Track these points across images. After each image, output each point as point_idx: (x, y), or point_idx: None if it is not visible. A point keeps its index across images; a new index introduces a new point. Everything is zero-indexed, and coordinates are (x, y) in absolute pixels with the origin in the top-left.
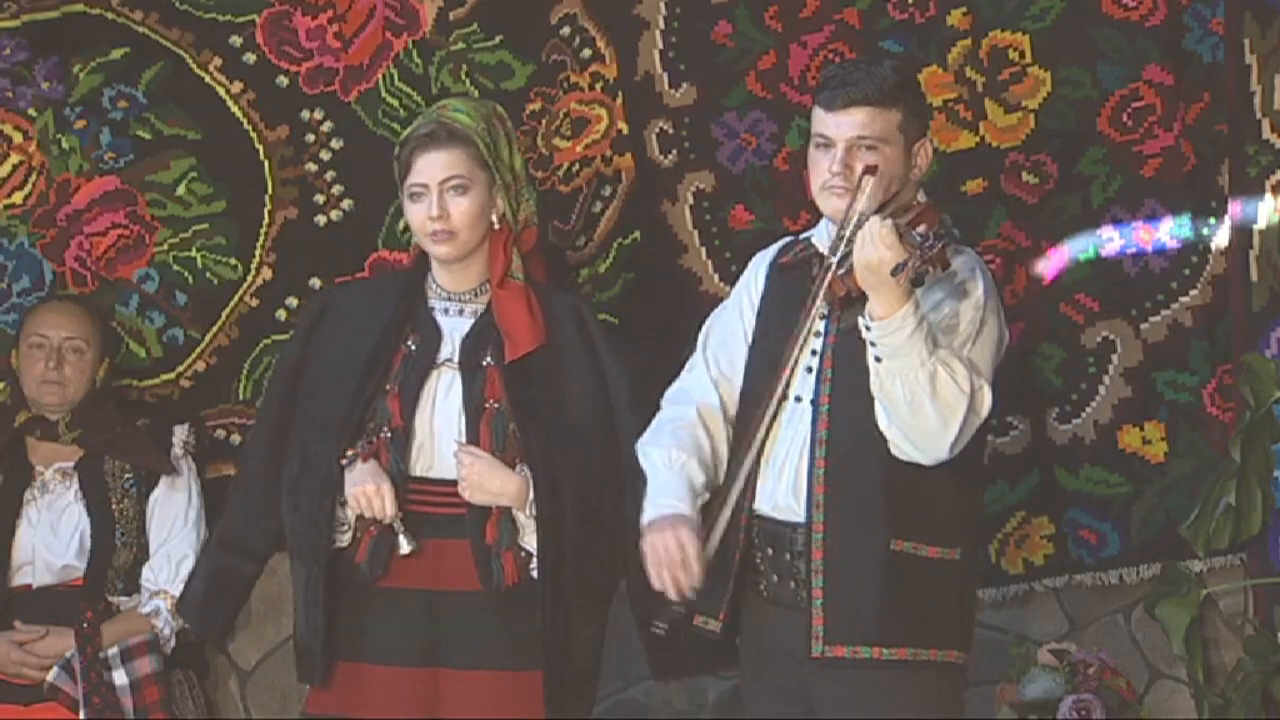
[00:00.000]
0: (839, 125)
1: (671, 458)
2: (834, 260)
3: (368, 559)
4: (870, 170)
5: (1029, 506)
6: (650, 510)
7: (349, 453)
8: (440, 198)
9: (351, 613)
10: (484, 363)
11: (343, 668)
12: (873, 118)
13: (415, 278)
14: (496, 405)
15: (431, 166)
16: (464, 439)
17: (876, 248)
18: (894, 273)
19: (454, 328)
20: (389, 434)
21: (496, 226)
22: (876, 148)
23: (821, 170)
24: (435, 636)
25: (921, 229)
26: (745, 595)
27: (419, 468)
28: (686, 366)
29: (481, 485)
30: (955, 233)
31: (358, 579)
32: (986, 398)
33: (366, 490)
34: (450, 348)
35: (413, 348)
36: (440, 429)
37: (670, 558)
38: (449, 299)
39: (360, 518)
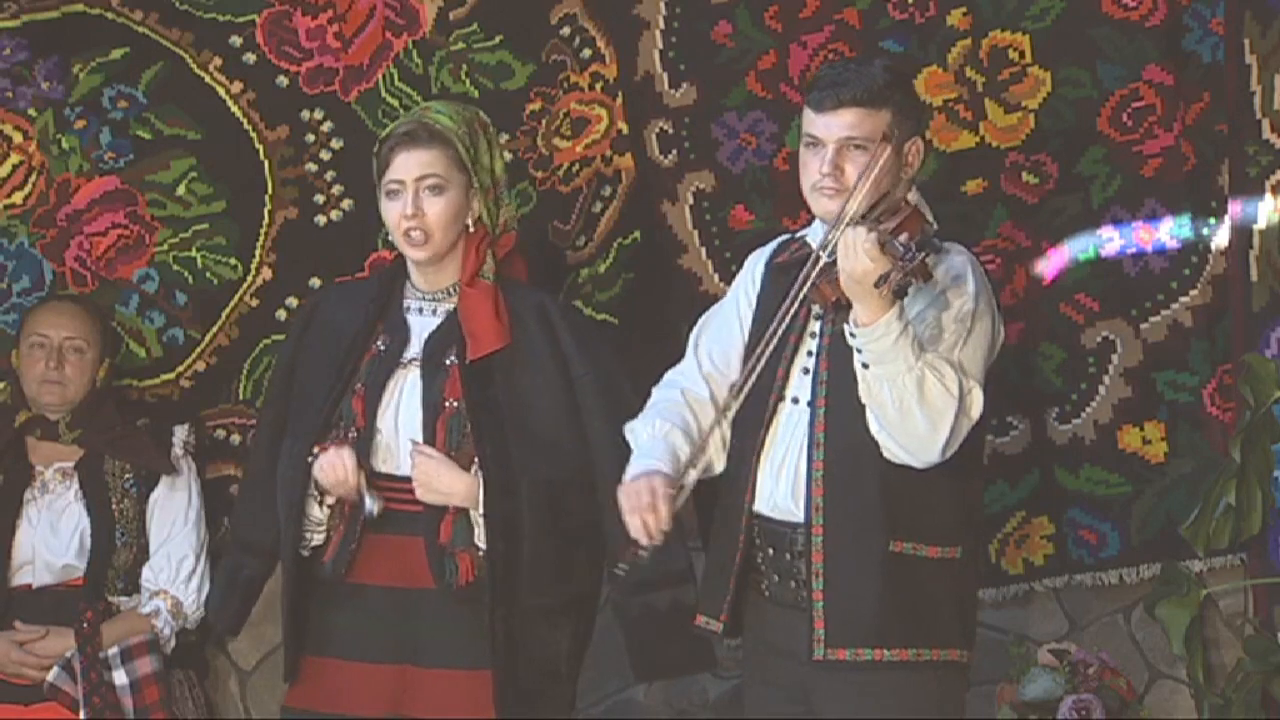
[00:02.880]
0: (828, 126)
1: (656, 428)
2: (822, 255)
3: (334, 557)
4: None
5: (1029, 506)
6: (630, 470)
7: (315, 449)
8: (416, 196)
9: (321, 609)
10: (447, 361)
11: (314, 663)
12: (862, 119)
13: (393, 278)
14: (456, 404)
15: (409, 164)
16: (422, 438)
17: (859, 259)
18: (876, 285)
19: (423, 327)
20: (355, 434)
21: (471, 229)
22: (866, 148)
23: (811, 171)
24: (403, 634)
25: (903, 238)
26: (747, 595)
27: (384, 466)
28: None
29: (430, 485)
30: (935, 241)
31: (325, 576)
32: (977, 400)
33: (329, 457)
34: (416, 347)
35: (381, 348)
36: (403, 428)
37: (641, 502)
38: (422, 299)
39: (333, 516)
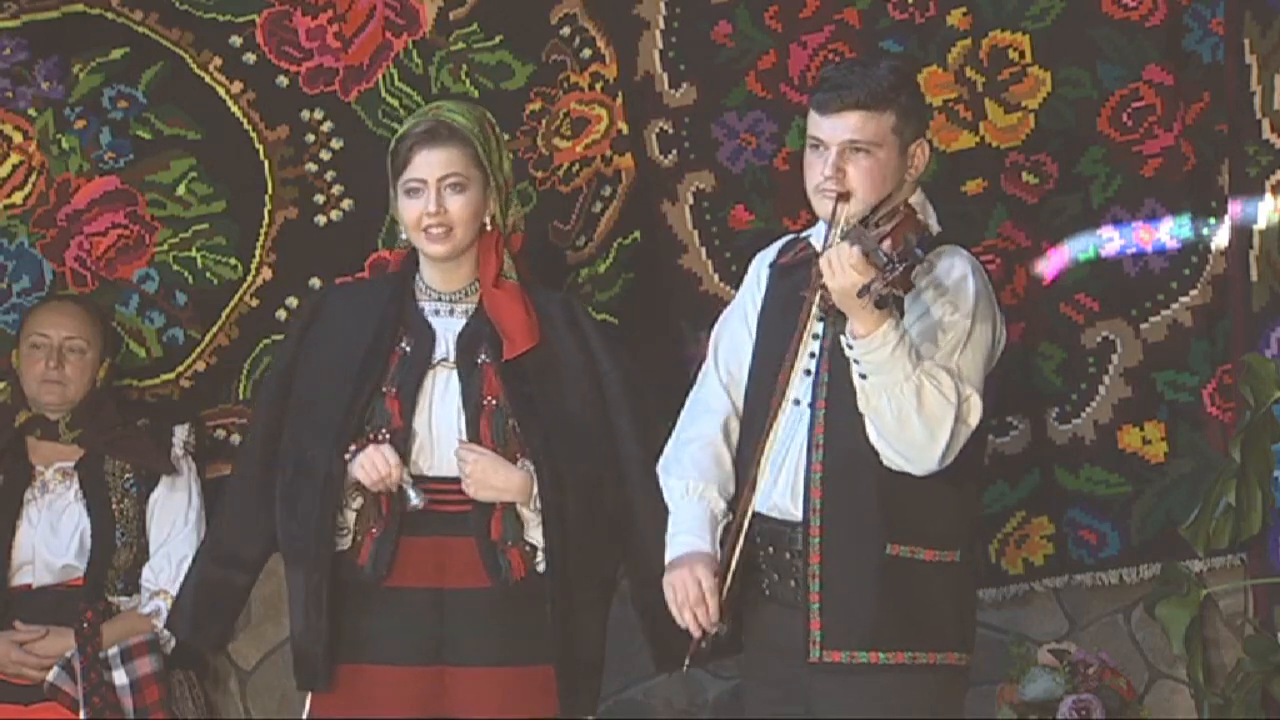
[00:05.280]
0: (832, 128)
1: (689, 487)
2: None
3: (371, 560)
4: (843, 199)
5: (1029, 506)
6: (670, 549)
7: (351, 448)
8: (438, 194)
9: (354, 614)
10: (479, 360)
11: (347, 670)
12: (865, 121)
13: (403, 279)
14: (495, 402)
15: (431, 163)
16: (465, 437)
17: (845, 273)
18: (859, 295)
19: (446, 327)
20: (388, 435)
21: (488, 228)
22: (869, 151)
23: (815, 173)
24: (440, 635)
25: (886, 246)
26: (748, 594)
27: (420, 467)
28: (700, 374)
29: (486, 481)
30: (918, 252)
31: (360, 580)
32: (975, 407)
33: (370, 456)
34: (445, 347)
35: (407, 349)
36: (440, 428)
37: (687, 596)
38: (439, 299)
39: (360, 519)
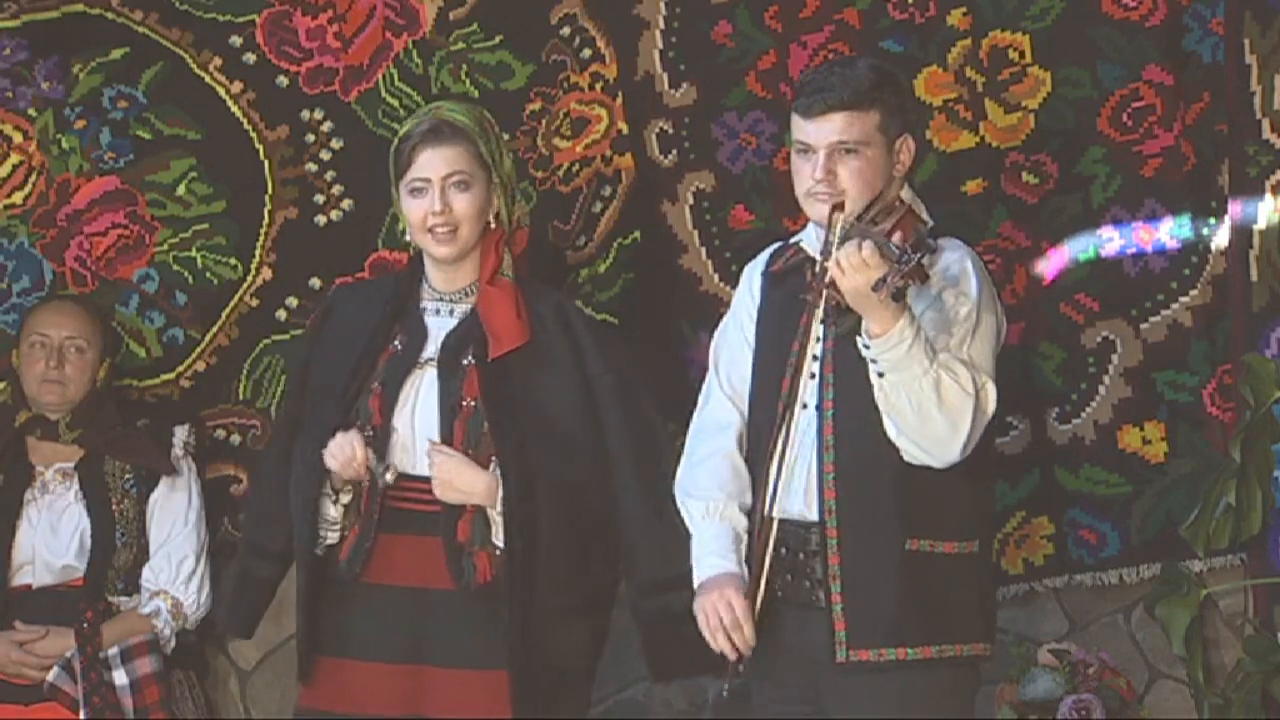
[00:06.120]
0: (818, 132)
1: (710, 508)
2: (825, 264)
3: (349, 556)
4: (838, 208)
5: (1029, 506)
6: (698, 571)
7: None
8: (443, 193)
9: (335, 610)
10: (464, 361)
11: (329, 664)
12: (851, 122)
13: (409, 279)
14: (474, 403)
15: (435, 162)
16: (438, 437)
17: (860, 269)
18: (874, 288)
19: (440, 327)
20: (370, 433)
21: (493, 226)
22: (857, 151)
23: (804, 177)
24: (420, 633)
25: (897, 238)
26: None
27: (401, 465)
28: (703, 391)
29: (450, 483)
30: (930, 241)
31: (340, 576)
32: (991, 394)
33: (336, 440)
34: (434, 347)
35: (399, 347)
36: (420, 427)
37: (720, 621)
38: (439, 299)
39: (347, 514)
